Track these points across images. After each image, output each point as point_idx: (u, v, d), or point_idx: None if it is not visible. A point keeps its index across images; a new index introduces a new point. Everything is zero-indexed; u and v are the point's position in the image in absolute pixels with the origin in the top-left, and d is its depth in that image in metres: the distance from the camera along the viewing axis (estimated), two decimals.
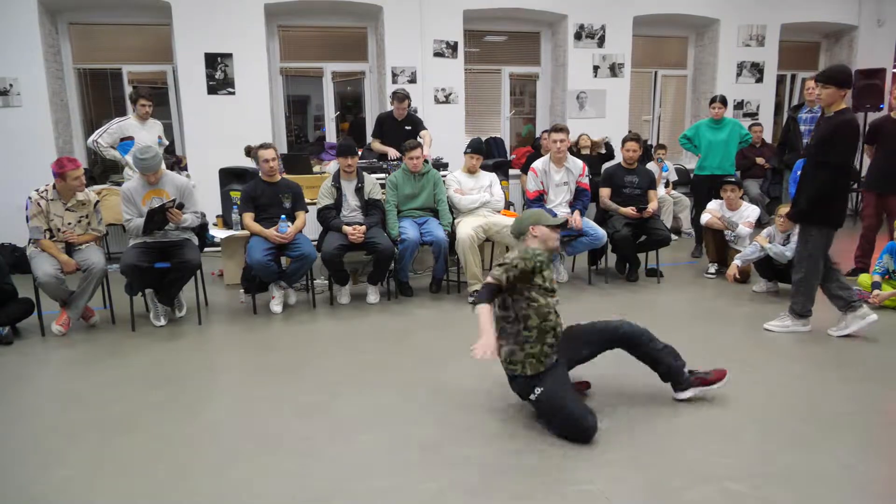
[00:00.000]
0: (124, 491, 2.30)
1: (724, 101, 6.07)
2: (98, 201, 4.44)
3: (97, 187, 6.08)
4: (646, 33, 8.27)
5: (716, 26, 8.28)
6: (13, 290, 4.20)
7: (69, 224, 4.24)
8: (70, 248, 4.24)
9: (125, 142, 5.61)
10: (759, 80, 8.53)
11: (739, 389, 3.08)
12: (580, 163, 5.25)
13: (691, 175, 7.08)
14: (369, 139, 6.41)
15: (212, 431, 2.77)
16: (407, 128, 6.02)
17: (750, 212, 5.25)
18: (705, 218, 5.35)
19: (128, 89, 6.80)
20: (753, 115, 8.54)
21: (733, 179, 5.39)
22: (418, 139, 5.60)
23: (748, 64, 8.43)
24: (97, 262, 4.20)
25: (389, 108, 6.21)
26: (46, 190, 4.18)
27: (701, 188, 6.12)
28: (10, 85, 6.24)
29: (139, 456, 2.56)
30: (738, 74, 8.43)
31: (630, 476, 2.32)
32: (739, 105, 8.48)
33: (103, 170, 6.75)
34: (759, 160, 7.61)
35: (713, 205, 5.42)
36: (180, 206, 4.24)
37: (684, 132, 6.40)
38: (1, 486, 2.36)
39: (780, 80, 8.97)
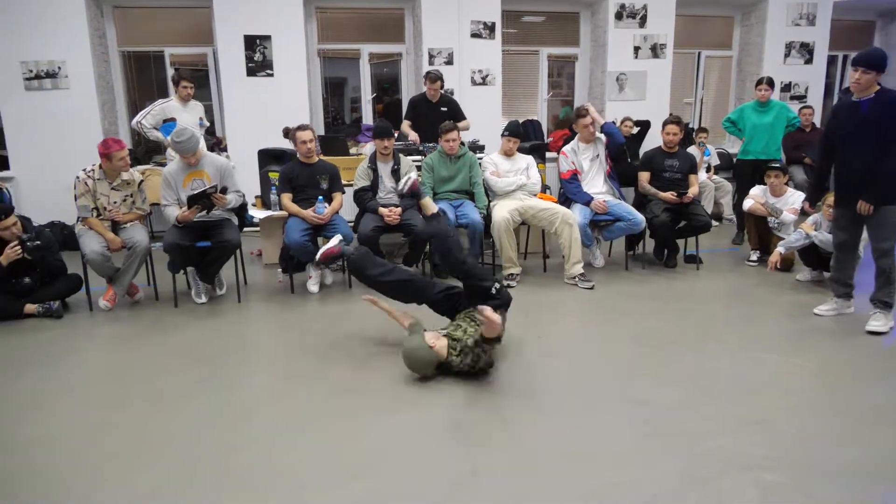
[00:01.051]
0: (168, 462, 2.38)
1: (770, 83, 5.87)
2: (142, 180, 4.55)
3: (141, 167, 6.24)
4: (689, 13, 8.04)
5: (763, 5, 8.00)
6: (63, 266, 4.36)
7: (115, 203, 4.37)
8: (116, 227, 4.38)
9: (168, 123, 5.75)
10: (809, 61, 8.22)
11: (778, 377, 3.02)
12: (603, 135, 5.21)
13: (734, 159, 6.90)
14: (403, 122, 6.41)
15: (250, 406, 2.85)
16: (442, 109, 5.96)
17: (795, 198, 5.09)
18: (748, 204, 5.22)
19: (170, 71, 6.93)
20: (801, 97, 8.25)
21: (778, 165, 5.22)
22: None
23: (797, 44, 8.13)
24: (141, 240, 4.33)
25: (424, 89, 6.18)
26: (93, 170, 4.31)
27: (744, 173, 5.96)
28: (59, 68, 6.42)
29: (182, 428, 2.64)
30: (787, 55, 8.14)
31: (661, 462, 2.31)
32: (787, 87, 8.20)
33: (146, 150, 6.94)
34: (807, 160, 7.28)
35: (756, 190, 5.27)
36: (223, 191, 4.33)
37: (728, 115, 6.22)
38: (51, 454, 2.47)
39: (831, 62, 8.64)
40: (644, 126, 7.26)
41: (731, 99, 8.65)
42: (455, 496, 2.13)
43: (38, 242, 4.09)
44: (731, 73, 8.62)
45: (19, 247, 4.01)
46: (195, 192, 4.25)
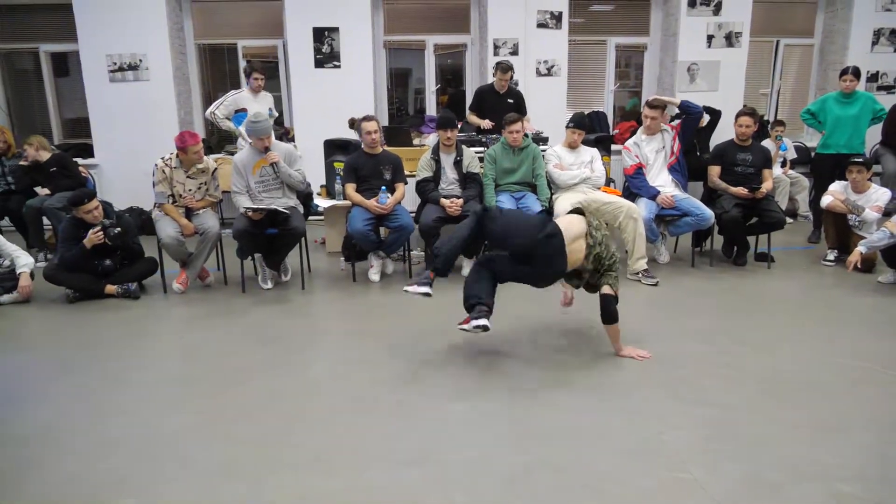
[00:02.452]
0: (235, 438, 2.49)
1: (856, 73, 5.54)
2: (216, 168, 4.73)
3: (214, 156, 6.48)
4: None
5: None
6: (141, 249, 4.59)
7: (190, 190, 4.56)
8: (189, 213, 4.57)
9: (239, 113, 5.95)
10: None
11: (855, 384, 2.87)
12: (671, 127, 5.05)
13: (812, 153, 6.55)
14: (468, 112, 6.39)
15: (313, 389, 2.93)
16: (509, 101, 5.91)
17: (880, 195, 4.79)
18: (826, 200, 4.95)
19: (242, 63, 7.16)
20: (890, 88, 7.74)
21: (861, 160, 4.91)
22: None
23: (887, 31, 7.61)
24: (213, 226, 4.51)
25: (491, 80, 6.14)
26: (171, 158, 4.51)
27: (823, 167, 5.67)
28: (140, 60, 6.73)
29: (248, 407, 2.75)
30: (875, 43, 7.64)
31: (726, 465, 2.23)
32: (874, 77, 7.70)
33: (219, 140, 7.20)
34: None
35: (836, 186, 4.99)
36: (288, 216, 4.45)
37: (808, 106, 5.91)
38: (128, 427, 2.61)
39: None
40: (715, 115, 6.97)
41: (811, 90, 8.20)
42: (511, 488, 2.13)
43: (119, 230, 4.32)
44: (811, 62, 8.17)
45: (101, 232, 4.25)
46: (270, 207, 4.40)
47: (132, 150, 6.73)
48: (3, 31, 7.10)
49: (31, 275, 4.34)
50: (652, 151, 5.02)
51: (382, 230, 4.83)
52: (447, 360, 3.21)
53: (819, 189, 5.57)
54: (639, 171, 4.99)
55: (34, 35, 7.09)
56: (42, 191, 5.38)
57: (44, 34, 7.08)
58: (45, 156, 5.36)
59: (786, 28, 8.04)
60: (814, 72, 8.19)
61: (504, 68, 5.85)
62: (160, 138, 6.37)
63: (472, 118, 6.09)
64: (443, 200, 4.68)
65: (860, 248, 4.39)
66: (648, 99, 5.11)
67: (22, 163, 5.41)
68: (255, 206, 4.41)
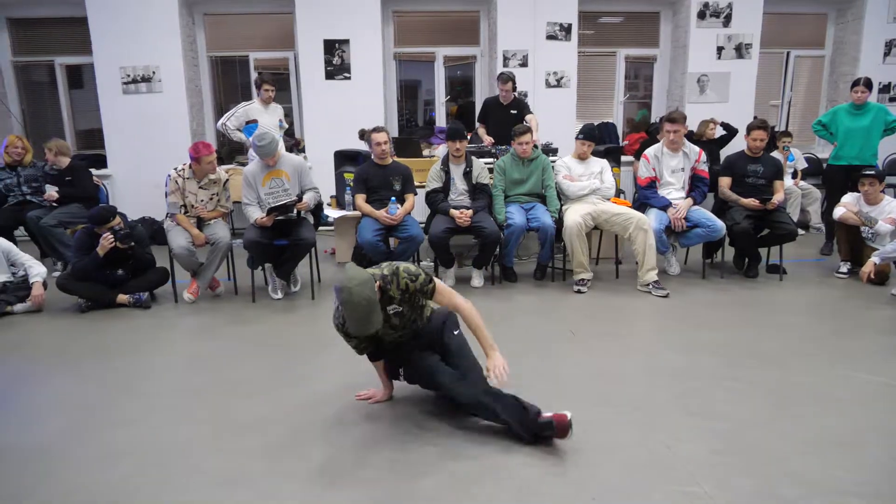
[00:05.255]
0: (243, 448, 2.49)
1: (868, 85, 5.51)
2: (227, 179, 4.77)
3: (225, 167, 6.53)
4: (778, 10, 7.64)
5: (861, 0, 7.51)
6: (152, 259, 4.62)
7: (202, 201, 4.60)
8: (200, 223, 4.61)
9: (250, 125, 6.00)
10: None
11: (868, 398, 2.83)
12: (697, 148, 5.00)
13: (824, 165, 6.51)
14: (477, 124, 6.42)
15: (322, 400, 2.92)
16: (513, 112, 5.94)
17: (893, 207, 4.75)
18: (839, 212, 4.91)
19: (253, 75, 7.23)
20: None
21: (873, 172, 4.87)
22: (524, 123, 5.52)
23: None
24: (223, 236, 4.54)
25: (497, 92, 6.17)
26: (184, 169, 4.56)
27: (835, 179, 5.63)
28: (153, 72, 6.82)
29: (256, 417, 2.75)
30: (886, 54, 7.60)
31: (736, 479, 2.21)
32: (885, 88, 7.67)
33: (230, 151, 7.26)
34: None
35: (848, 198, 4.96)
36: (299, 198, 4.50)
37: (819, 118, 5.88)
38: (136, 436, 2.62)
39: None
40: (730, 132, 6.95)
41: (822, 101, 8.16)
42: (520, 498, 2.11)
43: (127, 230, 4.35)
44: (822, 73, 8.14)
45: (111, 235, 4.28)
46: (278, 203, 4.41)
47: (145, 161, 6.80)
48: (19, 45, 7.22)
49: (44, 284, 4.39)
50: (669, 170, 4.96)
51: (392, 241, 4.84)
52: None
53: (831, 201, 5.53)
54: (652, 184, 4.96)
55: (50, 48, 7.21)
56: (50, 194, 5.40)
57: (59, 47, 7.20)
58: (64, 161, 5.42)
59: (796, 39, 8.02)
60: (824, 83, 8.16)
61: (504, 79, 5.87)
62: (172, 149, 6.44)
63: (481, 132, 6.11)
64: (452, 211, 4.68)
65: (874, 259, 4.36)
66: (670, 112, 5.05)
67: (47, 170, 5.48)
68: (266, 212, 4.42)
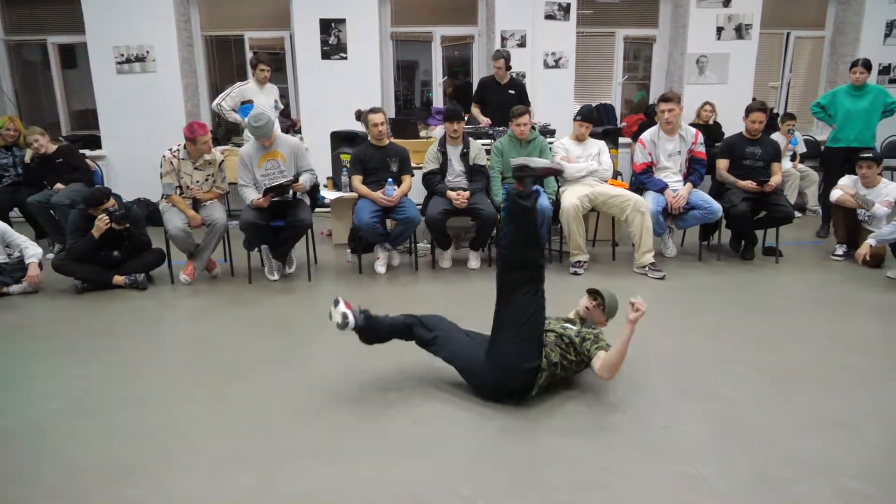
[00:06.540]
0: (242, 428, 2.50)
1: (867, 66, 5.48)
2: (223, 160, 4.74)
3: (220, 148, 6.48)
4: None
5: None
6: (148, 240, 4.60)
7: (197, 182, 4.57)
8: (196, 204, 4.58)
9: (245, 105, 5.94)
10: None
11: (864, 380, 2.85)
12: (693, 130, 4.98)
13: (822, 147, 6.50)
14: (473, 105, 6.36)
15: (319, 381, 2.93)
16: (510, 92, 5.88)
17: (890, 189, 4.75)
18: (836, 195, 4.91)
19: (249, 55, 7.14)
20: None
21: (871, 154, 4.86)
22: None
23: None
24: (220, 217, 4.52)
25: (493, 72, 6.11)
26: (178, 149, 4.52)
27: (833, 162, 5.62)
28: (147, 52, 6.73)
29: (255, 398, 2.76)
30: (887, 35, 7.55)
31: (734, 461, 2.23)
32: (886, 69, 7.62)
33: (226, 131, 7.19)
34: None
35: (846, 180, 4.95)
36: (295, 179, 4.46)
37: (818, 99, 5.86)
38: (135, 417, 2.63)
39: None
40: (716, 138, 6.67)
41: (821, 83, 8.12)
42: (516, 481, 2.13)
43: (122, 211, 4.33)
44: (822, 54, 8.08)
45: (107, 217, 4.26)
46: (274, 183, 4.38)
47: (139, 141, 6.74)
48: (11, 23, 7.12)
49: (40, 265, 4.37)
50: (665, 154, 4.93)
51: (389, 222, 4.83)
52: None
53: (829, 183, 5.53)
54: (648, 170, 4.94)
55: (42, 27, 7.11)
56: (57, 186, 5.36)
57: (52, 26, 7.10)
58: (50, 148, 5.37)
59: (796, 20, 7.96)
60: (824, 64, 8.11)
61: (497, 56, 5.80)
62: (167, 130, 6.36)
63: (474, 111, 6.05)
64: (449, 193, 4.66)
65: (869, 241, 4.37)
66: (664, 92, 5.00)
67: (26, 161, 5.44)
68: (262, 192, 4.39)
